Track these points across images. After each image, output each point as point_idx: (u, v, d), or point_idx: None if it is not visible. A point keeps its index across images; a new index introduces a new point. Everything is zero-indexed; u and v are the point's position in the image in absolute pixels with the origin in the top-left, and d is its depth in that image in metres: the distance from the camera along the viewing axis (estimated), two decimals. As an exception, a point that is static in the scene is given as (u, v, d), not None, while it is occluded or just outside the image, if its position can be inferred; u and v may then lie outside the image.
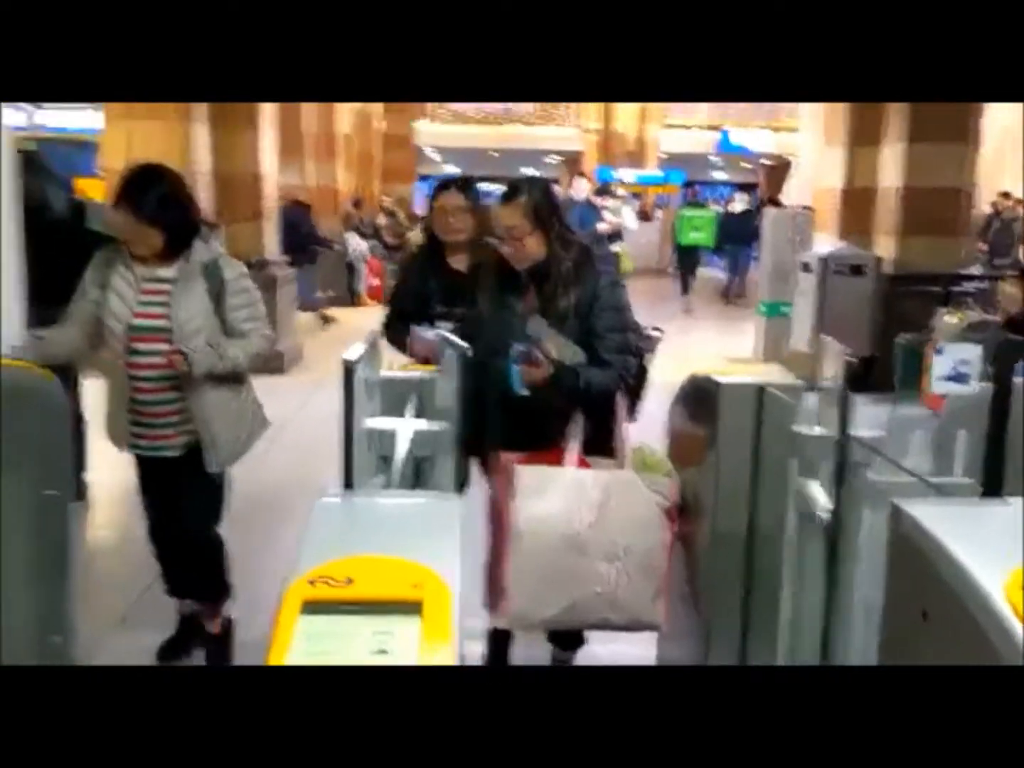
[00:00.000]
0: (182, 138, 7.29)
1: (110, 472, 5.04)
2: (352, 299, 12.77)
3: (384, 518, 1.55)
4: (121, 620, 3.45)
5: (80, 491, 4.61)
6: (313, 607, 1.23)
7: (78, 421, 4.39)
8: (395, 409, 2.13)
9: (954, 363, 2.06)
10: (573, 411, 2.58)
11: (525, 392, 2.52)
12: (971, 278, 8.58)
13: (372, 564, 1.30)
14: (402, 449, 1.82)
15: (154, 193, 2.79)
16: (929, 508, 1.54)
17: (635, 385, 2.80)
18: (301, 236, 10.43)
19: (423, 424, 1.88)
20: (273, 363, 8.12)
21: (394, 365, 2.99)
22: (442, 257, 3.27)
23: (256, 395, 3.12)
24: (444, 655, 1.17)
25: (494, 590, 2.52)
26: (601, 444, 2.63)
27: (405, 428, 1.90)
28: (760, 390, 2.51)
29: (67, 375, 3.30)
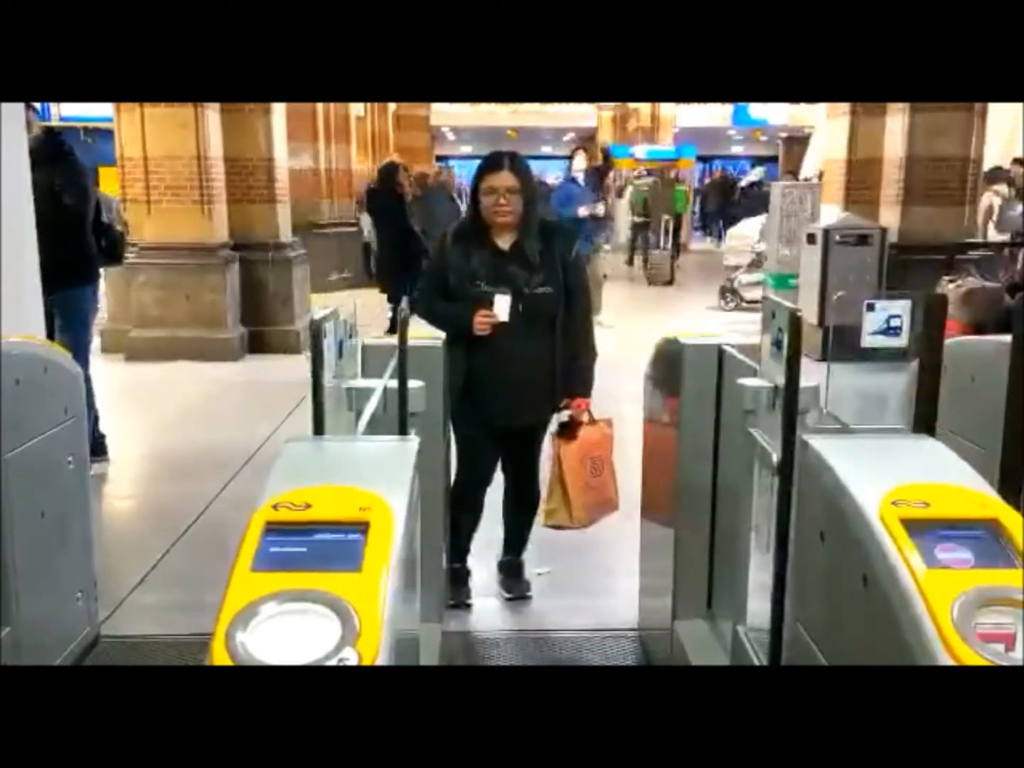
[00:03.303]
0: (194, 124, 7.50)
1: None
2: (369, 279, 12.96)
3: (344, 457, 1.76)
4: (141, 580, 3.68)
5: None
6: (274, 527, 1.43)
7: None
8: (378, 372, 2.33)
9: (886, 318, 2.23)
10: None
11: None
12: (976, 246, 8.65)
13: (327, 492, 1.50)
14: (372, 403, 2.01)
15: None
16: (830, 441, 1.71)
17: None
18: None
19: (392, 383, 2.07)
20: (290, 341, 8.36)
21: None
22: (487, 236, 3.13)
23: None
24: (383, 564, 1.37)
25: None
26: None
27: (377, 386, 2.09)
28: (720, 350, 2.68)
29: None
